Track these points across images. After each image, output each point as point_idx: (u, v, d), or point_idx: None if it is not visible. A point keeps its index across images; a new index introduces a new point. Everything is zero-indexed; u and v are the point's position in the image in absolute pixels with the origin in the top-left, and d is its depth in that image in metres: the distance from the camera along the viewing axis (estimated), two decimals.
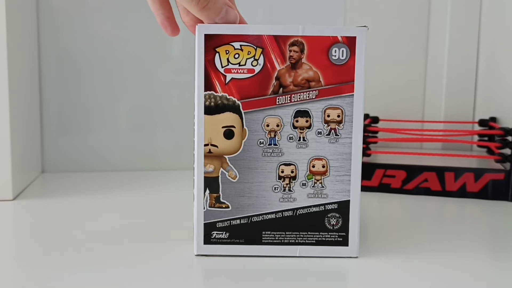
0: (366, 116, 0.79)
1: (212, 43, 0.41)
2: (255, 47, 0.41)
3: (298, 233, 0.43)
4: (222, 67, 0.41)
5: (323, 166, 0.43)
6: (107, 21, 0.74)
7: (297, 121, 0.42)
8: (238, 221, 0.43)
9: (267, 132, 0.42)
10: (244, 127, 0.42)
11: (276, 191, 0.43)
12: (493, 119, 0.78)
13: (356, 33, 0.41)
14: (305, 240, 0.43)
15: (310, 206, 0.43)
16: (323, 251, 0.43)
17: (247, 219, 0.43)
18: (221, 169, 0.43)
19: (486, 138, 0.77)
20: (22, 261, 0.43)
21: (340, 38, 0.41)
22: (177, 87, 0.76)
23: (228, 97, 0.42)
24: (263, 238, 0.43)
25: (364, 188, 0.66)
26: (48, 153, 0.75)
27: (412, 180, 0.65)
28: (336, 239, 0.43)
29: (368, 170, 0.66)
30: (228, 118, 0.42)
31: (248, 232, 0.43)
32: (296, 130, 0.42)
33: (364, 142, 0.69)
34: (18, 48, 0.63)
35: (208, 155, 0.42)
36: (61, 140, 0.75)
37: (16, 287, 0.38)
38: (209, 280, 0.40)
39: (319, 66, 0.41)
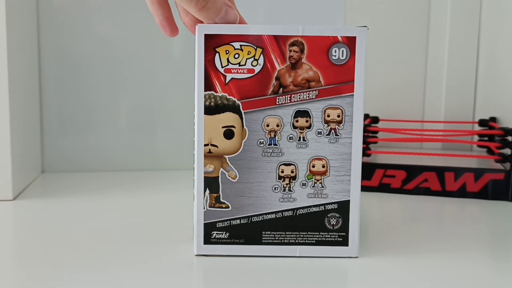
0: (366, 116, 0.79)
1: (212, 43, 0.41)
2: (255, 47, 0.41)
3: (298, 233, 0.43)
4: (222, 67, 0.41)
5: (323, 166, 0.43)
6: (107, 21, 0.74)
7: (297, 121, 0.42)
8: (238, 221, 0.43)
9: (267, 132, 0.42)
10: (244, 127, 0.42)
11: (276, 191, 0.43)
12: (493, 119, 0.78)
13: (356, 33, 0.41)
14: (305, 240, 0.43)
15: (310, 206, 0.43)
16: (323, 251, 0.43)
17: (247, 219, 0.43)
18: (221, 169, 0.43)
19: (486, 138, 0.77)
20: (22, 261, 0.43)
21: (340, 38, 0.41)
22: (177, 87, 0.76)
23: (228, 97, 0.42)
24: (263, 238, 0.43)
25: (364, 188, 0.66)
26: (48, 153, 0.75)
27: (412, 180, 0.65)
28: (336, 239, 0.43)
29: (368, 170, 0.66)
30: (228, 118, 0.42)
31: (248, 232, 0.43)
32: (296, 130, 0.42)
33: (364, 142, 0.69)
34: (18, 48, 0.63)
35: (208, 155, 0.42)
36: (61, 140, 0.75)
37: (16, 287, 0.38)
38: (209, 280, 0.40)
39: (319, 66, 0.41)
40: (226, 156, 0.42)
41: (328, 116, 0.42)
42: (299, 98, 0.42)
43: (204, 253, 0.43)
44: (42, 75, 0.74)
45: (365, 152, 0.68)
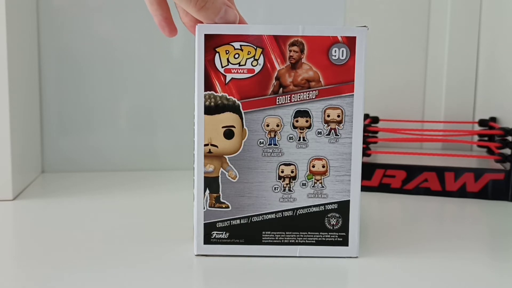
0: (366, 116, 0.79)
1: (212, 43, 0.41)
2: (255, 47, 0.41)
3: (298, 233, 0.43)
4: (222, 67, 0.41)
5: (323, 166, 0.43)
6: (107, 21, 0.74)
7: (297, 121, 0.42)
8: (238, 221, 0.43)
9: (267, 132, 0.42)
10: (244, 127, 0.42)
11: (276, 191, 0.43)
12: (493, 119, 0.78)
13: (356, 33, 0.41)
14: (305, 240, 0.43)
15: (310, 206, 0.43)
16: (323, 251, 0.43)
17: (247, 219, 0.43)
18: (221, 169, 0.43)
19: (486, 138, 0.77)
20: (22, 261, 0.43)
21: (340, 38, 0.41)
22: (177, 87, 0.76)
23: (228, 97, 0.42)
24: (263, 238, 0.43)
25: (364, 188, 0.66)
26: (48, 153, 0.75)
27: (412, 180, 0.65)
28: (336, 239, 0.43)
29: (368, 170, 0.66)
30: (228, 118, 0.42)
31: (248, 232, 0.43)
32: (296, 130, 0.42)
33: (364, 142, 0.69)
34: (18, 48, 0.63)
35: (208, 155, 0.42)
36: (61, 140, 0.75)
37: (16, 287, 0.38)
38: (209, 280, 0.40)
39: (319, 66, 0.41)
40: (226, 156, 0.42)
41: (328, 116, 0.42)
42: (299, 98, 0.42)
43: (204, 253, 0.43)
44: (42, 75, 0.74)
45: (365, 152, 0.68)
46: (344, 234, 0.43)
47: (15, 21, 0.62)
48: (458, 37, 0.81)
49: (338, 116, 0.42)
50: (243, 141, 0.42)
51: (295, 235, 0.43)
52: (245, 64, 0.41)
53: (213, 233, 0.43)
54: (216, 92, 0.42)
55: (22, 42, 0.66)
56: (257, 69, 0.41)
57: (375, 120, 0.79)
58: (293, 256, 0.43)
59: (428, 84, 0.83)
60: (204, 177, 0.43)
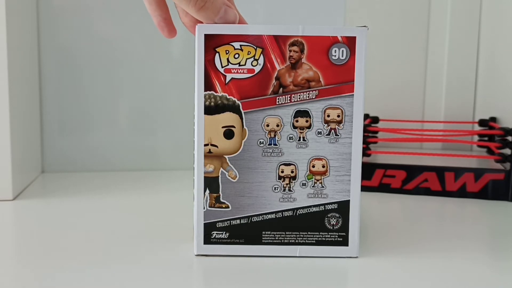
0: (366, 116, 0.79)
1: (212, 43, 0.41)
2: (255, 47, 0.41)
3: (298, 233, 0.43)
4: (222, 67, 0.41)
5: (323, 166, 0.43)
6: (107, 21, 0.74)
7: (297, 121, 0.42)
8: (238, 221, 0.43)
9: (267, 132, 0.42)
10: (244, 127, 0.42)
11: (276, 191, 0.43)
12: (493, 119, 0.78)
13: (356, 33, 0.41)
14: (305, 240, 0.43)
15: (310, 206, 0.43)
16: (323, 251, 0.43)
17: (247, 219, 0.43)
18: (221, 169, 0.43)
19: (486, 138, 0.77)
20: (22, 261, 0.43)
21: (340, 38, 0.41)
22: (177, 87, 0.76)
23: (228, 97, 0.42)
24: (263, 238, 0.43)
25: (364, 188, 0.66)
26: (48, 153, 0.75)
27: (412, 180, 0.65)
28: (336, 239, 0.43)
29: (368, 170, 0.66)
30: (228, 118, 0.42)
31: (248, 232, 0.43)
32: (296, 130, 0.42)
33: (364, 142, 0.69)
34: (18, 48, 0.63)
35: (208, 155, 0.42)
36: (61, 140, 0.75)
37: (16, 287, 0.38)
38: (209, 280, 0.40)
39: (319, 66, 0.41)
40: (226, 156, 0.42)
41: (328, 116, 0.42)
42: (299, 98, 0.42)
43: (204, 253, 0.43)
44: (42, 75, 0.74)
45: (365, 152, 0.68)
46: (344, 234, 0.43)
47: (15, 21, 0.62)
48: (458, 37, 0.81)
49: (338, 116, 0.42)
50: (243, 141, 0.42)
51: (295, 235, 0.43)
52: (245, 64, 0.41)
53: (213, 233, 0.43)
54: (216, 92, 0.42)
55: (22, 42, 0.66)
56: (257, 69, 0.41)
57: (375, 120, 0.79)
58: (293, 256, 0.43)
59: (428, 84, 0.83)
60: (204, 177, 0.43)
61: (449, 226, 0.54)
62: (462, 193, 0.64)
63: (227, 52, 0.41)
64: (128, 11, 0.74)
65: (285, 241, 0.43)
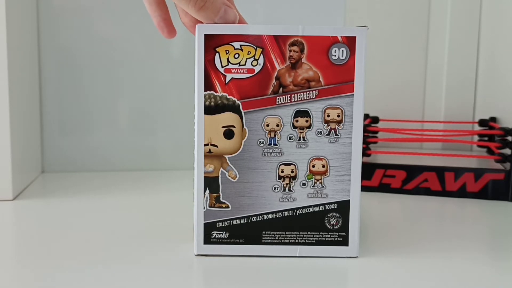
0: (366, 116, 0.79)
1: (212, 43, 0.41)
2: (255, 47, 0.41)
3: (298, 233, 0.43)
4: (222, 67, 0.41)
5: (323, 166, 0.43)
6: (107, 21, 0.74)
7: (297, 121, 0.42)
8: (238, 221, 0.43)
9: (267, 132, 0.42)
10: (244, 127, 0.42)
11: (276, 191, 0.43)
12: (493, 119, 0.78)
13: (356, 33, 0.41)
14: (305, 240, 0.43)
15: (310, 206, 0.43)
16: (323, 251, 0.43)
17: (247, 219, 0.43)
18: (221, 169, 0.43)
19: (486, 138, 0.77)
20: (22, 261, 0.43)
21: (340, 38, 0.41)
22: (177, 87, 0.76)
23: (228, 97, 0.42)
24: (263, 238, 0.43)
25: (364, 188, 0.66)
26: (48, 153, 0.75)
27: (412, 180, 0.65)
28: (336, 239, 0.43)
29: (368, 170, 0.66)
30: (228, 118, 0.42)
31: (248, 232, 0.43)
32: (296, 130, 0.42)
33: (364, 142, 0.69)
34: (18, 48, 0.63)
35: (208, 155, 0.42)
36: (61, 140, 0.75)
37: (16, 287, 0.38)
38: (209, 280, 0.40)
39: (319, 66, 0.41)
40: (226, 156, 0.42)
41: (328, 116, 0.42)
42: (299, 98, 0.42)
43: (204, 253, 0.43)
44: (42, 75, 0.74)
45: (365, 152, 0.68)
46: (344, 234, 0.43)
47: (15, 21, 0.62)
48: (458, 37, 0.81)
49: (338, 116, 0.42)
50: (243, 141, 0.42)
51: (295, 235, 0.43)
52: (245, 64, 0.41)
53: (213, 233, 0.43)
54: (216, 92, 0.42)
55: (22, 42, 0.66)
56: (257, 69, 0.41)
57: (375, 120, 0.79)
58: (293, 256, 0.43)
59: (428, 84, 0.83)
60: (204, 177, 0.43)
61: (449, 226, 0.54)
62: (462, 193, 0.64)
63: (227, 52, 0.41)
64: (128, 11, 0.74)
65: (285, 241, 0.43)
